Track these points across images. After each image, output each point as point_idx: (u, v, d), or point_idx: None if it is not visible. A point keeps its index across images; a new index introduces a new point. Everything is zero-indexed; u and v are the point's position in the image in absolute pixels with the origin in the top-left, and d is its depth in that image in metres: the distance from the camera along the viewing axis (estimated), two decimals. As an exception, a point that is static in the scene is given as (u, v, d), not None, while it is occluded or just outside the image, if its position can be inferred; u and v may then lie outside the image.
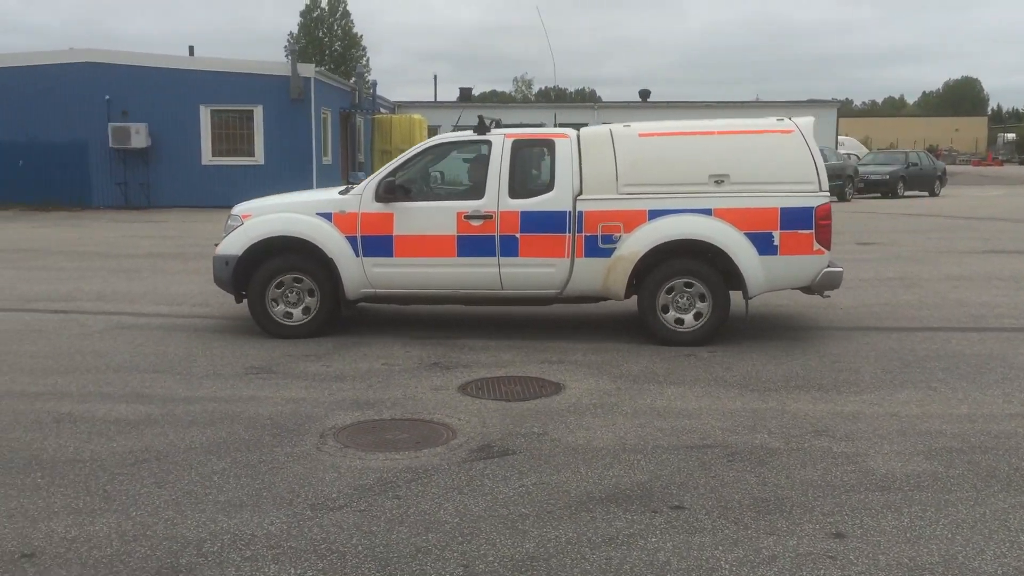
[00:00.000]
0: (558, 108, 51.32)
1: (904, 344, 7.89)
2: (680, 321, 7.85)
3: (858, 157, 36.38)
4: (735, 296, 7.98)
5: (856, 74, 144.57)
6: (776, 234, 7.72)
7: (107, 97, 24.47)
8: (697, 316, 7.84)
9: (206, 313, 9.41)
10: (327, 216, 8.10)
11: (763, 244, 7.71)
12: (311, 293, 8.15)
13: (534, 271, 7.95)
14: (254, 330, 8.50)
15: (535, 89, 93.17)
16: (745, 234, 7.71)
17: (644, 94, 48.17)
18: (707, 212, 7.76)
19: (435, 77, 70.63)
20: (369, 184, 8.15)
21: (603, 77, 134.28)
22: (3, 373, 6.92)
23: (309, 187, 22.43)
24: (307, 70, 25.65)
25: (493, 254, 7.95)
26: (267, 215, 8.31)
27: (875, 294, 10.56)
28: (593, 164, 7.96)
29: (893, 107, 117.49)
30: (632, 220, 7.81)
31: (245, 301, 8.28)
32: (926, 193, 32.37)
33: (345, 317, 8.50)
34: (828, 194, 7.85)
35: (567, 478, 4.75)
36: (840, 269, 8.02)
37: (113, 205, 24.78)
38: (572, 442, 5.33)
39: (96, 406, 6.04)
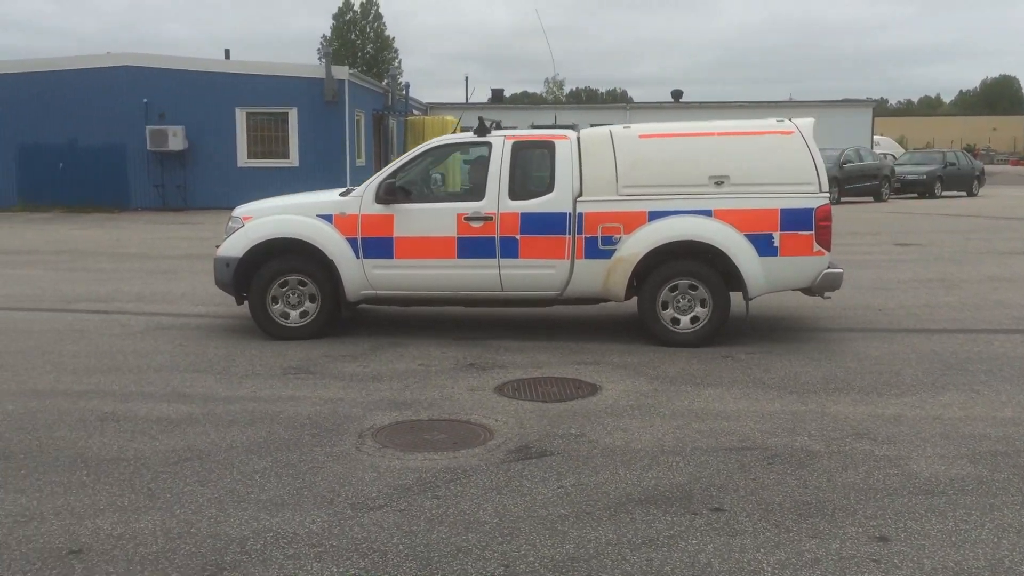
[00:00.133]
0: (589, 109, 51.23)
1: (945, 346, 7.79)
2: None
3: (894, 157, 35.96)
4: (735, 297, 7.97)
5: (891, 73, 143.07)
6: (776, 235, 7.71)
7: (145, 100, 24.79)
8: (697, 318, 7.84)
9: (243, 314, 9.46)
10: (327, 218, 8.13)
11: (763, 245, 7.70)
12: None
13: (534, 272, 7.96)
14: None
15: (566, 90, 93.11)
16: (745, 235, 7.71)
17: (676, 94, 47.98)
18: (707, 213, 7.76)
19: (466, 78, 70.71)
20: (369, 186, 8.17)
21: (635, 77, 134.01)
22: (47, 372, 7.04)
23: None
24: (341, 72, 25.83)
25: (493, 255, 7.96)
26: (268, 217, 8.34)
27: (914, 295, 10.44)
28: (593, 165, 7.97)
29: (929, 106, 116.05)
30: (632, 221, 7.82)
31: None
32: (964, 193, 31.93)
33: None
34: (828, 195, 7.83)
35: (606, 479, 4.75)
36: (840, 270, 7.99)
37: (150, 207, 25.09)
38: (610, 443, 5.32)
39: (138, 405, 6.13)
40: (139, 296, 10.71)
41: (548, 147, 8.12)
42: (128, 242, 17.25)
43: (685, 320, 7.84)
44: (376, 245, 8.05)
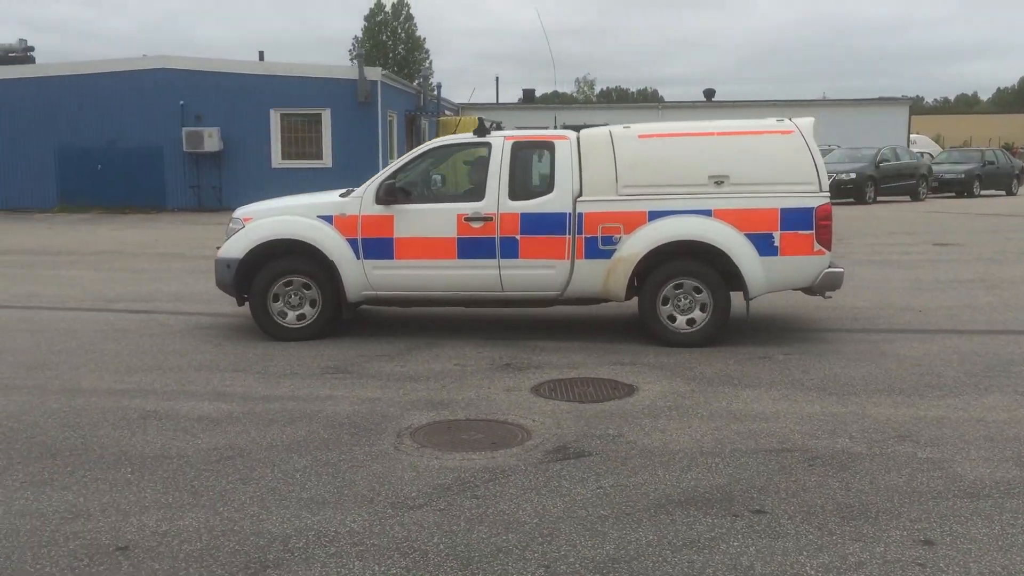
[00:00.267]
0: (619, 109, 51.07)
1: (987, 347, 7.68)
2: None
3: (931, 156, 35.49)
4: (736, 297, 7.97)
5: (926, 70, 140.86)
6: (776, 235, 7.69)
7: (181, 102, 25.06)
8: (697, 318, 7.83)
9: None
10: (328, 219, 8.15)
11: (763, 245, 7.69)
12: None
13: (534, 273, 7.96)
14: (330, 330, 8.63)
15: (597, 90, 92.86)
16: (745, 235, 7.69)
17: (708, 93, 47.76)
18: (707, 213, 7.75)
19: (496, 79, 70.70)
20: (369, 187, 8.18)
21: (667, 76, 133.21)
22: (90, 371, 7.14)
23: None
24: (374, 73, 25.95)
25: (493, 256, 7.97)
26: (268, 218, 8.37)
27: (955, 296, 10.29)
28: (593, 166, 7.97)
29: (966, 104, 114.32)
30: (632, 221, 7.81)
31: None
32: (1003, 192, 31.46)
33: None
34: (828, 194, 7.80)
35: (645, 480, 4.73)
36: (841, 269, 7.95)
37: (186, 207, 25.36)
38: (648, 444, 5.31)
39: (180, 404, 6.21)
40: (178, 296, 10.83)
41: (548, 147, 8.15)
42: (166, 242, 17.46)
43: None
44: (376, 246, 8.07)
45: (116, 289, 11.39)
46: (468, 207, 8.03)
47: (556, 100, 69.73)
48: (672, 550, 3.93)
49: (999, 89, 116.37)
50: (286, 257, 8.23)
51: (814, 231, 7.68)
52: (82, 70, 26.02)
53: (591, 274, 7.89)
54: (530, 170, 8.34)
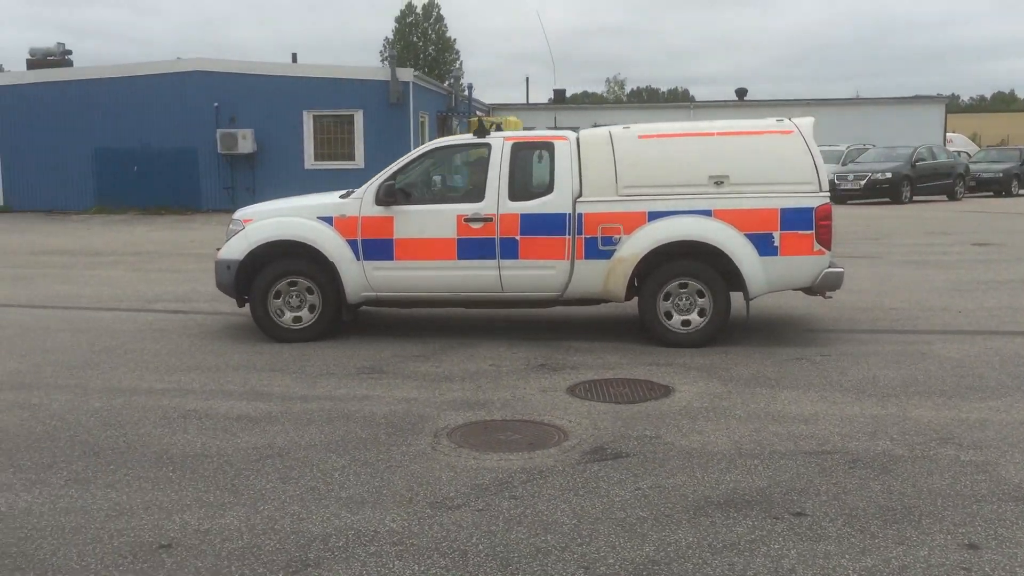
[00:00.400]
0: (650, 108, 50.85)
1: (1030, 349, 7.56)
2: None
3: (968, 155, 35.01)
4: (736, 298, 7.95)
5: (962, 68, 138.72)
6: (776, 235, 7.68)
7: (216, 104, 25.32)
8: (697, 318, 7.82)
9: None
10: (328, 220, 8.15)
11: (763, 245, 7.67)
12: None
13: (534, 273, 7.96)
14: (363, 331, 8.69)
15: (627, 89, 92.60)
16: (745, 235, 7.68)
17: (741, 92, 47.44)
18: (707, 213, 7.74)
19: (527, 79, 70.84)
20: (369, 188, 8.19)
21: (698, 75, 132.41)
22: (130, 371, 7.23)
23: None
24: (406, 74, 26.06)
25: (493, 257, 7.96)
26: (268, 219, 8.38)
27: (995, 297, 10.15)
28: (592, 166, 7.97)
29: (1003, 102, 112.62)
30: (632, 222, 7.80)
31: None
32: (1042, 191, 30.93)
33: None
34: (828, 195, 7.77)
35: (683, 482, 4.71)
36: (841, 269, 7.90)
37: (221, 208, 25.59)
38: (686, 446, 5.28)
39: (219, 403, 6.27)
40: (214, 296, 10.89)
41: (547, 148, 8.15)
42: (201, 243, 17.63)
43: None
44: (376, 247, 8.08)
45: (154, 289, 11.53)
46: (468, 208, 8.03)
47: (586, 100, 69.61)
48: (712, 552, 3.91)
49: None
50: (286, 258, 8.23)
51: (814, 231, 7.69)
52: (118, 73, 26.38)
53: (591, 274, 7.90)
54: (530, 171, 8.35)
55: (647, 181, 7.88)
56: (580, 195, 7.92)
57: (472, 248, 7.97)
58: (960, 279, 11.44)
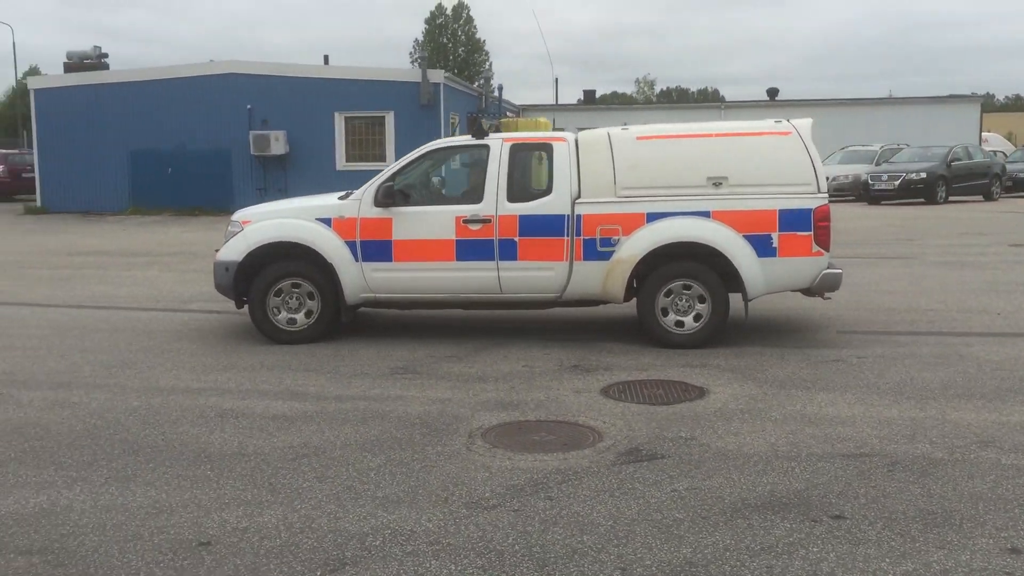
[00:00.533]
0: (680, 109, 50.62)
1: (1071, 351, 7.43)
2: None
3: (1005, 154, 34.49)
4: (735, 298, 7.93)
5: (997, 67, 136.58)
6: (775, 236, 7.67)
7: (248, 106, 25.53)
8: (696, 319, 7.80)
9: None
10: (326, 221, 8.15)
11: (762, 246, 7.66)
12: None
13: (533, 275, 7.96)
14: (396, 332, 8.74)
15: (657, 89, 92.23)
16: (744, 236, 7.67)
17: (772, 92, 47.13)
18: (705, 214, 7.74)
19: (556, 80, 70.82)
20: (368, 189, 8.19)
21: (729, 75, 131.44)
22: (167, 370, 7.32)
23: (438, 191, 22.80)
24: (436, 76, 26.13)
25: (492, 258, 7.95)
26: (267, 221, 8.39)
27: (1034, 298, 9.98)
28: (591, 167, 7.96)
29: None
30: (630, 223, 7.79)
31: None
32: (1080, 191, 30.41)
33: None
34: (826, 196, 7.76)
35: (719, 484, 4.69)
36: (840, 270, 7.88)
37: (253, 210, 25.80)
38: (722, 447, 5.25)
39: (255, 402, 6.32)
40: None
41: (546, 149, 8.15)
42: (234, 244, 17.78)
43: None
44: (375, 248, 8.08)
45: (189, 289, 11.65)
46: (466, 209, 8.04)
47: (615, 101, 69.42)
48: (750, 555, 3.88)
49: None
50: (285, 260, 8.24)
51: (812, 232, 7.69)
52: (153, 76, 26.68)
53: (590, 276, 7.89)
54: (528, 172, 8.34)
55: (646, 182, 7.89)
56: (579, 196, 7.93)
57: (471, 249, 7.98)
58: (997, 280, 11.28)
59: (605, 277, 7.87)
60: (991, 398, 6.13)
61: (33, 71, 58.43)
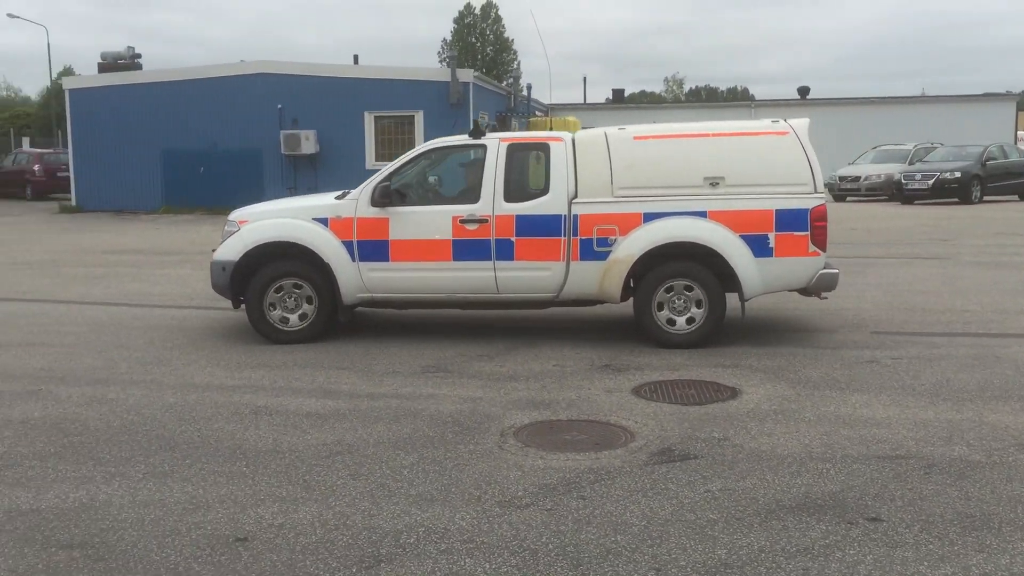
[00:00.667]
0: (709, 108, 50.34)
1: (1111, 353, 7.32)
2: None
3: (1041, 153, 33.95)
4: (731, 299, 7.92)
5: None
6: (771, 236, 7.67)
7: (279, 106, 25.72)
8: (693, 319, 7.80)
9: (380, 312, 9.73)
10: (323, 221, 8.15)
11: (758, 246, 7.66)
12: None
13: (530, 275, 7.95)
14: (426, 331, 8.77)
15: (686, 88, 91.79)
16: (740, 236, 7.67)
17: (803, 91, 46.82)
18: (702, 214, 7.74)
19: (584, 79, 70.71)
20: (365, 189, 8.18)
21: (759, 74, 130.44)
22: (202, 367, 7.39)
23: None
24: (466, 75, 26.18)
25: (489, 258, 7.95)
26: (263, 221, 8.38)
27: (1072, 299, 9.84)
28: (588, 167, 7.95)
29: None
30: (627, 223, 7.79)
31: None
32: (1119, 191, 29.87)
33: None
34: (823, 196, 7.76)
35: (753, 485, 4.66)
36: (836, 271, 7.87)
37: (283, 209, 25.99)
38: (755, 448, 5.22)
39: (288, 400, 6.37)
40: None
41: (543, 149, 8.13)
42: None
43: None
44: (372, 248, 8.08)
45: (221, 288, 11.73)
46: (463, 209, 8.03)
47: (644, 100, 69.17)
48: (786, 557, 3.86)
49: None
50: (282, 260, 8.24)
51: (809, 232, 7.67)
52: (185, 76, 26.95)
53: (586, 276, 7.89)
54: (525, 172, 8.32)
55: (643, 182, 7.89)
56: (575, 196, 7.93)
57: (468, 249, 7.98)
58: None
59: (602, 277, 7.87)
60: (1029, 400, 6.05)
61: (67, 71, 59.18)
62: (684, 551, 3.93)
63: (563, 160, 8.01)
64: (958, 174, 25.60)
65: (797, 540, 4.02)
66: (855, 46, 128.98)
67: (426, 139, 25.71)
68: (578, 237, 7.87)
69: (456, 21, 69.74)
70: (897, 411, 5.88)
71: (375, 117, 25.90)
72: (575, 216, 7.89)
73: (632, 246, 7.78)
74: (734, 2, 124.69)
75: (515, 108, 30.50)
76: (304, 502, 4.52)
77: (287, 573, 3.78)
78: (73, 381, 6.99)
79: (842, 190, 29.02)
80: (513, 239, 7.94)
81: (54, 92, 46.93)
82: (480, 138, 8.25)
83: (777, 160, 7.80)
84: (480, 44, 69.07)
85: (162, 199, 26.47)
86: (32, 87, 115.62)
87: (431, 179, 8.89)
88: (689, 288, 7.81)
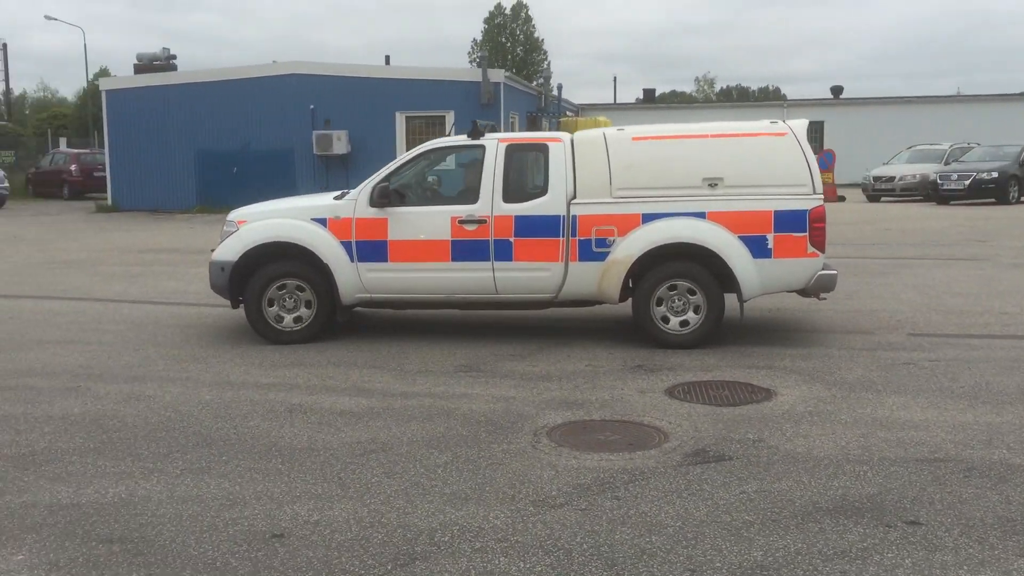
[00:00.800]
0: (741, 108, 49.99)
1: None
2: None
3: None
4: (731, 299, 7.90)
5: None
6: (770, 237, 7.65)
7: (311, 106, 25.90)
8: (691, 320, 7.77)
9: (410, 313, 9.76)
10: (322, 222, 8.14)
11: (757, 247, 7.63)
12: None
13: (528, 275, 7.93)
14: (460, 329, 8.80)
15: (717, 88, 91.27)
16: (739, 237, 7.65)
17: (836, 90, 46.37)
18: (701, 215, 7.71)
19: (614, 79, 70.38)
20: (364, 189, 8.17)
21: (790, 73, 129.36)
22: (237, 365, 7.46)
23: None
24: (496, 75, 26.22)
25: (487, 258, 7.93)
26: (262, 221, 8.38)
27: (1114, 301, 9.67)
28: (587, 168, 7.94)
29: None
30: (626, 224, 7.77)
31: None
32: None
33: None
34: (822, 197, 7.70)
35: (789, 487, 4.63)
36: (835, 271, 7.84)
37: (315, 208, 26.15)
38: (791, 450, 5.19)
39: (322, 398, 6.42)
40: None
41: (542, 150, 8.11)
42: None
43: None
44: (370, 249, 8.07)
45: (255, 287, 11.82)
46: (462, 210, 8.02)
47: (675, 100, 68.83)
48: (823, 559, 3.83)
49: None
50: (280, 260, 8.25)
51: (807, 233, 7.64)
52: (219, 77, 27.23)
53: (585, 276, 7.88)
54: (524, 172, 8.30)
55: (641, 183, 7.87)
56: (574, 197, 7.92)
57: (466, 250, 7.98)
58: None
59: (601, 278, 7.86)
60: (1071, 404, 5.96)
61: (103, 73, 59.97)
62: (719, 552, 3.91)
63: (562, 161, 8.00)
64: (995, 174, 25.25)
65: (834, 543, 3.98)
66: (888, 46, 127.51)
67: (457, 139, 25.86)
68: (577, 238, 7.87)
69: (486, 21, 69.76)
70: (935, 413, 5.81)
71: (406, 117, 26.00)
72: (574, 217, 7.88)
73: (631, 247, 7.77)
74: (766, 1, 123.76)
75: (546, 108, 30.52)
76: (339, 499, 4.55)
77: (323, 570, 3.81)
78: (111, 378, 7.09)
79: (876, 190, 28.74)
80: (512, 240, 7.94)
81: (90, 93, 47.55)
82: (479, 139, 8.26)
83: (776, 161, 7.78)
84: (510, 44, 69.05)
85: (196, 199, 26.76)
86: (69, 88, 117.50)
87: (430, 179, 8.93)
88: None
